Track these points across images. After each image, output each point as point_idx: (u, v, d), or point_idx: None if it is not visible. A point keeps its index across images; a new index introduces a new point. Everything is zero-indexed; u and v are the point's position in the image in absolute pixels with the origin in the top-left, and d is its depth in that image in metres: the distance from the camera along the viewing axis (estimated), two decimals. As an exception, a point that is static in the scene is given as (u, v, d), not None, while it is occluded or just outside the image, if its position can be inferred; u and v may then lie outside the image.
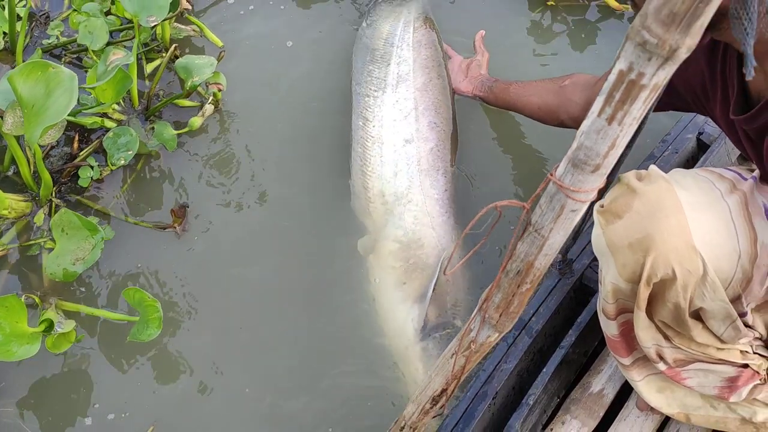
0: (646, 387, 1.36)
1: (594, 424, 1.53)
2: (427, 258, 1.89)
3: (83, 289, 1.88)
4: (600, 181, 0.82)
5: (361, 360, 1.83)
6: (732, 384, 1.27)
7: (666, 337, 1.24)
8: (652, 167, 1.20)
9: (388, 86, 2.14)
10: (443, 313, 1.83)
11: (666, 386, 1.36)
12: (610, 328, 1.31)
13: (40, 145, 1.78)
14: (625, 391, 1.56)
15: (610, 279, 1.21)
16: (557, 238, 0.89)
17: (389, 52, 2.22)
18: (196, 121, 2.16)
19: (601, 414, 1.54)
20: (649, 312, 1.21)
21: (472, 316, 1.07)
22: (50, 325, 1.60)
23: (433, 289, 1.81)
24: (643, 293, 1.16)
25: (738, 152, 1.90)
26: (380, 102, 2.12)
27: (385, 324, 1.87)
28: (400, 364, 1.82)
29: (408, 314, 1.83)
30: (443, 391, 1.22)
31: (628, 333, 1.29)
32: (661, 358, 1.27)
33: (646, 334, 1.23)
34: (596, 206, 1.21)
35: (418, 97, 2.12)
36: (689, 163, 1.91)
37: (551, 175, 0.85)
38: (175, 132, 2.13)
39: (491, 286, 1.01)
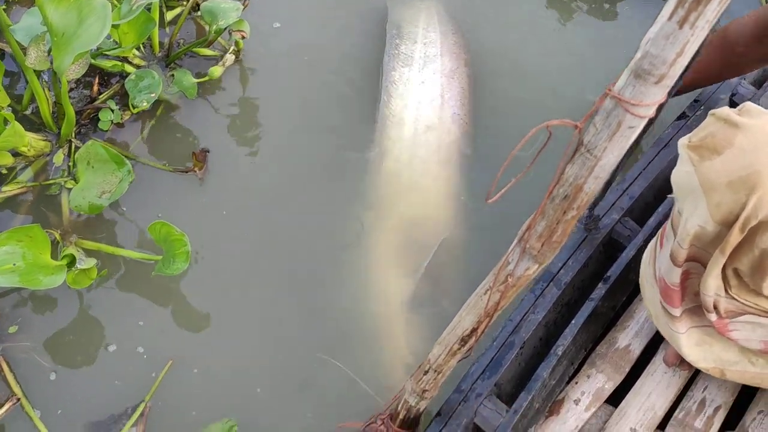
0: (686, 340, 1.32)
1: (620, 378, 1.50)
2: (426, 239, 1.90)
3: (103, 230, 1.86)
4: (662, 94, 0.79)
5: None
6: None
7: (725, 287, 1.19)
8: (748, 103, 1.13)
9: (414, 64, 2.11)
10: (432, 292, 1.84)
11: (704, 340, 1.33)
12: (672, 276, 1.24)
13: (61, 84, 1.75)
14: (652, 347, 1.53)
15: (696, 221, 1.13)
16: (611, 158, 0.86)
17: (415, 33, 2.19)
18: (217, 70, 2.13)
19: (627, 369, 1.51)
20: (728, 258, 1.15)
21: (511, 247, 1.04)
22: (72, 260, 1.58)
23: (428, 264, 1.83)
24: (735, 237, 1.09)
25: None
26: (405, 79, 2.09)
27: (375, 292, 1.87)
28: (382, 333, 1.82)
29: (398, 286, 1.85)
30: (473, 330, 1.19)
31: (685, 281, 1.25)
32: (715, 308, 1.22)
33: (714, 282, 1.18)
34: (682, 142, 1.15)
35: (445, 84, 2.10)
36: (722, 123, 1.87)
37: (609, 89, 0.81)
38: (196, 80, 2.10)
39: (534, 214, 0.98)
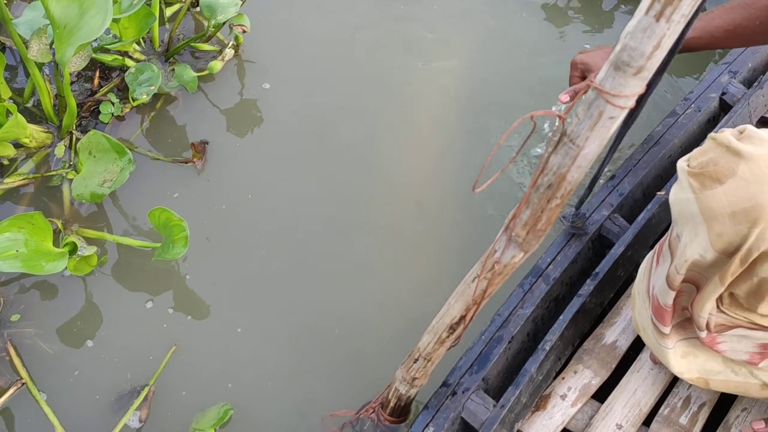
0: (673, 354, 1.32)
1: (606, 374, 1.52)
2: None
3: (103, 220, 1.89)
4: (641, 86, 0.81)
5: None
6: (764, 351, 1.24)
7: (717, 304, 1.20)
8: (749, 127, 1.09)
9: None
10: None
11: (689, 351, 1.32)
12: (666, 298, 1.23)
13: (62, 76, 1.78)
14: (638, 343, 1.55)
15: (696, 250, 1.10)
16: (592, 148, 0.89)
17: None
18: (217, 65, 2.16)
19: (614, 365, 1.53)
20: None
21: (498, 236, 1.07)
22: (74, 248, 1.61)
23: None
24: (735, 269, 1.07)
25: (760, 115, 1.89)
26: None
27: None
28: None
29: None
30: (462, 318, 1.21)
31: (675, 299, 1.23)
32: (707, 326, 1.22)
33: (710, 305, 1.17)
34: (681, 166, 1.12)
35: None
36: (711, 122, 1.89)
37: (591, 81, 0.84)
38: (196, 75, 2.13)
39: (520, 203, 1.01)
